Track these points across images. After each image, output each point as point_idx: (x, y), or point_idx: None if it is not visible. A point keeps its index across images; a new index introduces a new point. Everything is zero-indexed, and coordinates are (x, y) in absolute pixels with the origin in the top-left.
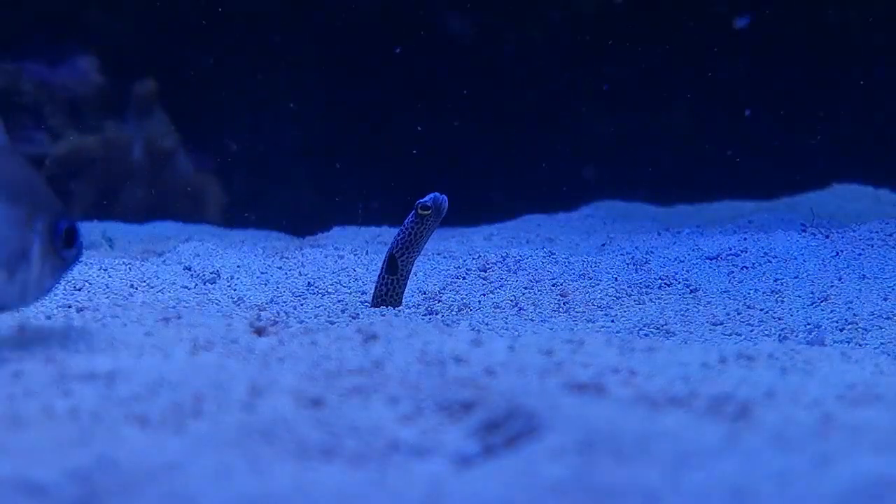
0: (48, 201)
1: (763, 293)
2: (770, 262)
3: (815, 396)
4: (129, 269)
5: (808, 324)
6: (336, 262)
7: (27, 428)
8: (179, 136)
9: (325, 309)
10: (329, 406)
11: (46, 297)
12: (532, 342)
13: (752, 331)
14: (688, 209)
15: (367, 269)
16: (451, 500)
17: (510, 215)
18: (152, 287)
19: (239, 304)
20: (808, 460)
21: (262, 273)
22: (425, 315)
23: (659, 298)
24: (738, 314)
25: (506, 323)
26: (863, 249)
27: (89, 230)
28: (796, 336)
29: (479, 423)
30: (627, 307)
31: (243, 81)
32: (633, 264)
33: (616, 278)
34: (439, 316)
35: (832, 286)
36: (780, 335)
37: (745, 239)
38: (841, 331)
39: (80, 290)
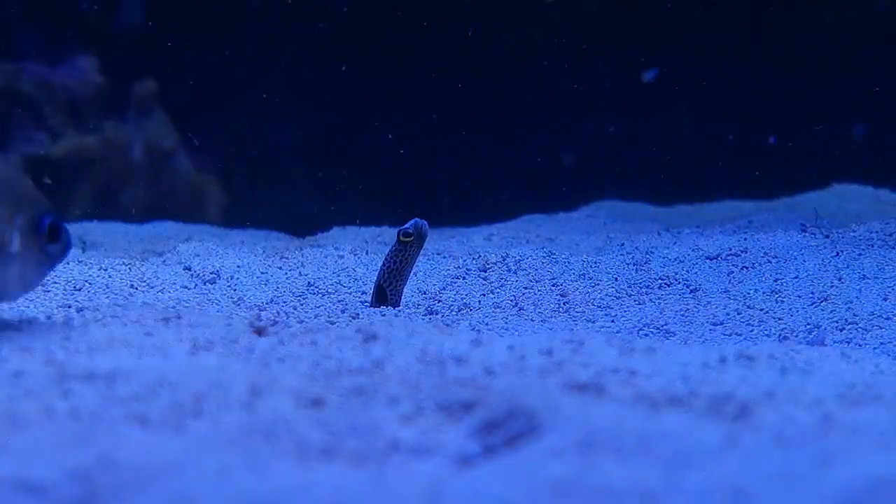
0: (30, 198)
1: (763, 293)
2: (770, 262)
3: (815, 396)
4: (129, 269)
5: (808, 324)
6: (336, 262)
7: (27, 428)
8: (179, 136)
9: (325, 309)
10: (329, 406)
11: (47, 297)
12: (532, 342)
13: (752, 331)
14: (688, 209)
15: (367, 269)
16: (451, 500)
17: (510, 215)
18: (152, 287)
19: (239, 304)
20: (808, 460)
21: (262, 273)
22: (425, 315)
23: (659, 298)
24: (738, 314)
25: (506, 323)
26: (863, 249)
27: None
28: (796, 336)
29: (480, 423)
30: (627, 307)
31: (243, 82)
32: (633, 264)
33: (616, 278)
34: (439, 316)
35: (832, 286)
36: (780, 335)
37: (745, 239)
38: (841, 331)
39: (80, 290)
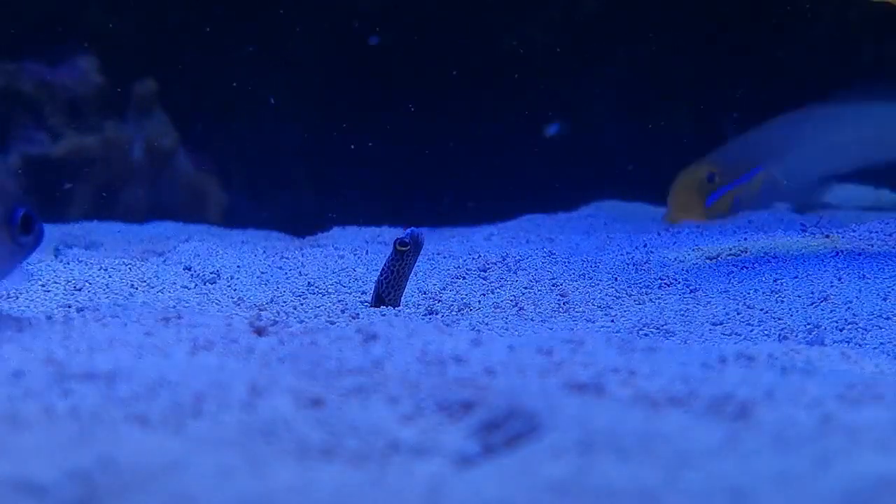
0: (3, 190)
1: (763, 293)
2: (770, 262)
3: (815, 396)
4: (129, 269)
5: (808, 324)
6: (336, 262)
7: (27, 428)
8: (179, 135)
9: (325, 309)
10: (329, 406)
11: (47, 297)
12: (532, 342)
13: (752, 331)
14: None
15: (367, 269)
16: (451, 499)
17: (510, 215)
18: (152, 287)
19: (239, 304)
20: (808, 460)
21: (262, 273)
22: (425, 315)
23: (659, 298)
24: (738, 314)
25: (506, 323)
26: (863, 249)
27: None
28: (796, 336)
29: (479, 423)
30: (627, 307)
31: (243, 81)
32: (633, 264)
33: (616, 278)
34: (439, 316)
35: (832, 286)
36: (780, 335)
37: (745, 239)
38: (841, 331)
39: (80, 290)
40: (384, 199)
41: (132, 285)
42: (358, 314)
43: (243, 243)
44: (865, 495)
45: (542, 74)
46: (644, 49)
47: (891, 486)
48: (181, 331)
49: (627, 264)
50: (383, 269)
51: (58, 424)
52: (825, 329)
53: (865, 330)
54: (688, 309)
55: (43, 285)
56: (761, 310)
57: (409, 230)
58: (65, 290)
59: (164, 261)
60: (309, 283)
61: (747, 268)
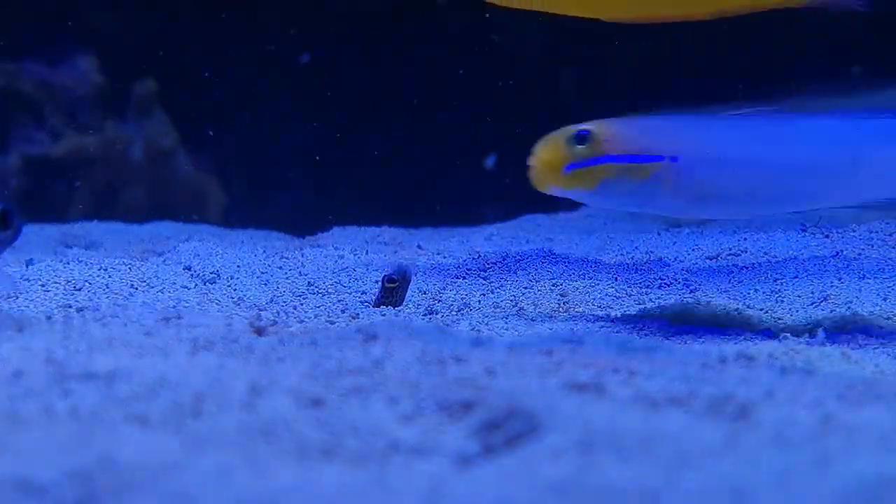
0: None
1: (763, 293)
2: (770, 262)
3: (815, 396)
4: (129, 269)
5: (808, 324)
6: (336, 262)
7: (27, 428)
8: (179, 135)
9: (325, 309)
10: (329, 406)
11: (47, 297)
12: (532, 342)
13: (752, 331)
14: None
15: (367, 268)
16: (451, 500)
17: (510, 215)
18: (152, 287)
19: (239, 304)
20: (808, 460)
21: (262, 273)
22: (425, 315)
23: (659, 298)
24: (738, 314)
25: (506, 323)
26: (863, 249)
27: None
28: (796, 336)
29: (479, 423)
30: (627, 307)
31: (243, 81)
32: (633, 264)
33: (616, 278)
34: (439, 316)
35: (832, 286)
36: (780, 335)
37: (745, 239)
38: (841, 331)
39: (80, 290)
40: (384, 199)
41: (132, 285)
42: (358, 314)
43: (243, 243)
44: (865, 495)
45: (542, 74)
46: (643, 47)
47: (891, 486)
48: (181, 331)
49: (627, 264)
50: (375, 303)
51: (58, 424)
52: (825, 329)
53: (866, 330)
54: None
55: (43, 285)
56: (761, 310)
57: (396, 265)
58: (65, 290)
59: (164, 261)
60: (309, 283)
61: (747, 268)
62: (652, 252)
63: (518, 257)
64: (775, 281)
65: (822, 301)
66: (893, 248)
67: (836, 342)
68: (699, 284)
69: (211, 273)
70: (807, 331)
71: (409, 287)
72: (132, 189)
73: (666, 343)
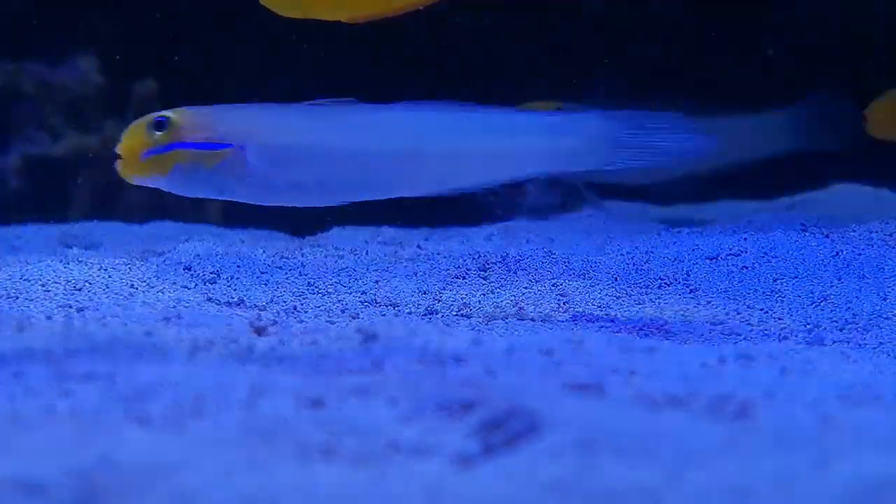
0: None
1: (763, 293)
2: (770, 262)
3: (815, 396)
4: (129, 269)
5: (808, 324)
6: (336, 262)
7: (27, 428)
8: None
9: (325, 309)
10: (329, 406)
11: (47, 297)
12: (532, 342)
13: (752, 331)
14: (688, 209)
15: (367, 268)
16: (452, 499)
17: (510, 215)
18: (152, 287)
19: (239, 304)
20: (808, 460)
21: (262, 273)
22: (425, 315)
23: (659, 298)
24: (738, 314)
25: (506, 323)
26: (863, 249)
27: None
28: (796, 336)
29: (480, 423)
30: (627, 307)
31: (243, 81)
32: (633, 264)
33: (616, 278)
34: (439, 316)
35: (832, 286)
36: (780, 335)
37: (745, 239)
38: (841, 331)
39: (80, 290)
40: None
41: (132, 285)
42: (358, 314)
43: (243, 243)
44: (865, 495)
45: (542, 73)
46: (642, 47)
47: (891, 486)
48: (181, 331)
49: (627, 264)
50: None
51: (58, 424)
52: (825, 329)
53: (865, 330)
54: (688, 309)
55: (43, 285)
56: (761, 310)
57: None
58: (65, 290)
59: (164, 261)
60: (309, 283)
61: (747, 268)
62: (652, 252)
63: (518, 257)
64: (775, 281)
65: (821, 301)
66: (893, 247)
67: (836, 342)
68: (699, 284)
69: (211, 273)
70: (807, 331)
71: (410, 287)
72: (132, 189)
73: (666, 343)
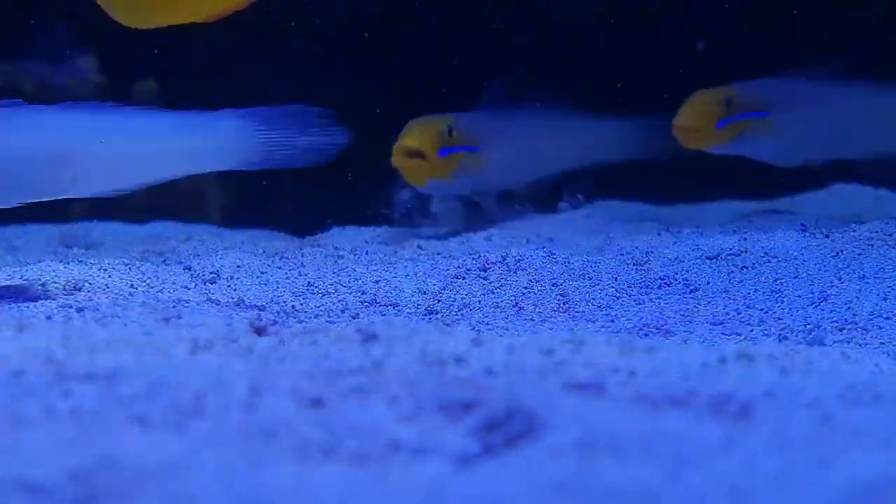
0: None
1: (763, 293)
2: (770, 262)
3: (815, 396)
4: (129, 269)
5: (808, 324)
6: (336, 262)
7: (27, 428)
8: None
9: (325, 309)
10: (329, 406)
11: (47, 297)
12: (532, 342)
13: (752, 331)
14: (688, 209)
15: (367, 268)
16: (452, 499)
17: (510, 215)
18: (152, 287)
19: (239, 304)
20: (808, 460)
21: (262, 273)
22: (425, 315)
23: (659, 298)
24: (738, 314)
25: (506, 323)
26: (863, 249)
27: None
28: (796, 336)
29: (479, 423)
30: (627, 307)
31: (243, 81)
32: (633, 264)
33: (616, 278)
34: (439, 316)
35: (832, 286)
36: (780, 335)
37: (745, 239)
38: (841, 331)
39: (80, 290)
40: (384, 198)
41: (132, 285)
42: (358, 314)
43: (243, 243)
44: (865, 495)
45: (542, 73)
46: (641, 47)
47: (891, 486)
48: (181, 331)
49: (627, 264)
50: None
51: (58, 424)
52: (825, 329)
53: (865, 330)
54: (688, 309)
55: (43, 285)
56: (761, 310)
57: None
58: (65, 290)
59: (164, 261)
60: (309, 283)
61: (747, 268)
62: (652, 252)
63: (518, 257)
64: (775, 281)
65: (822, 301)
66: (893, 247)
67: (836, 342)
68: (699, 284)
69: (211, 273)
70: (807, 331)
71: (410, 287)
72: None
73: (666, 343)
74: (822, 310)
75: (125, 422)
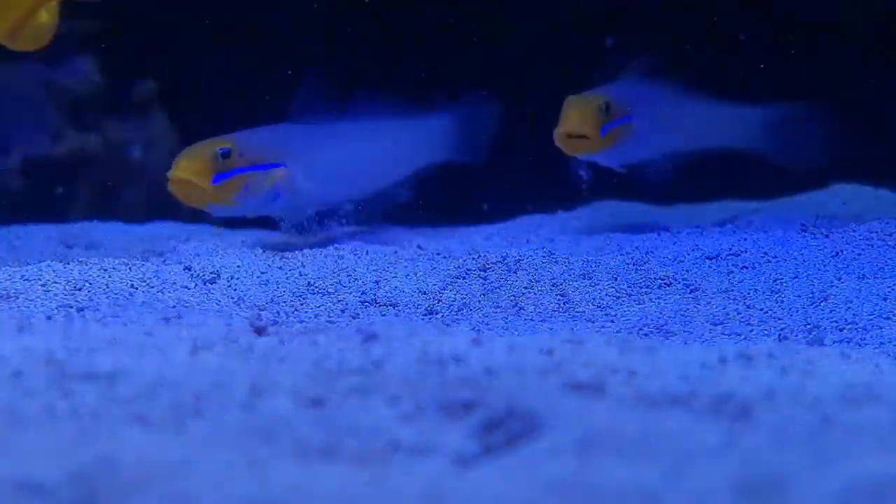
0: None
1: (763, 293)
2: (770, 261)
3: (815, 396)
4: (129, 269)
5: (808, 324)
6: (336, 262)
7: (27, 428)
8: (179, 135)
9: (325, 309)
10: (329, 406)
11: (47, 297)
12: (532, 342)
13: (752, 331)
14: (688, 209)
15: (367, 268)
16: (452, 499)
17: (510, 215)
18: (152, 287)
19: (239, 304)
20: (808, 460)
21: (262, 273)
22: (425, 315)
23: (659, 298)
24: (738, 314)
25: (506, 323)
26: (863, 249)
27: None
28: (796, 336)
29: (479, 423)
30: (627, 307)
31: (243, 81)
32: (633, 264)
33: (616, 278)
34: (439, 316)
35: (832, 286)
36: (780, 335)
37: (745, 239)
38: (841, 331)
39: (80, 290)
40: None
41: (132, 285)
42: (358, 314)
43: (243, 243)
44: (865, 495)
45: (542, 73)
46: (641, 47)
47: (891, 486)
48: (181, 331)
49: (627, 264)
50: None
51: (58, 424)
52: (825, 329)
53: (865, 330)
54: (688, 309)
55: (43, 285)
56: (761, 310)
57: None
58: (65, 290)
59: (164, 261)
60: (309, 283)
61: (747, 268)
62: (652, 252)
63: (518, 257)
64: (775, 281)
65: (821, 301)
66: (893, 247)
67: (836, 342)
68: (699, 284)
69: (211, 273)
70: (807, 331)
71: (410, 287)
72: (132, 189)
73: (666, 343)
74: (822, 310)
75: (125, 422)
